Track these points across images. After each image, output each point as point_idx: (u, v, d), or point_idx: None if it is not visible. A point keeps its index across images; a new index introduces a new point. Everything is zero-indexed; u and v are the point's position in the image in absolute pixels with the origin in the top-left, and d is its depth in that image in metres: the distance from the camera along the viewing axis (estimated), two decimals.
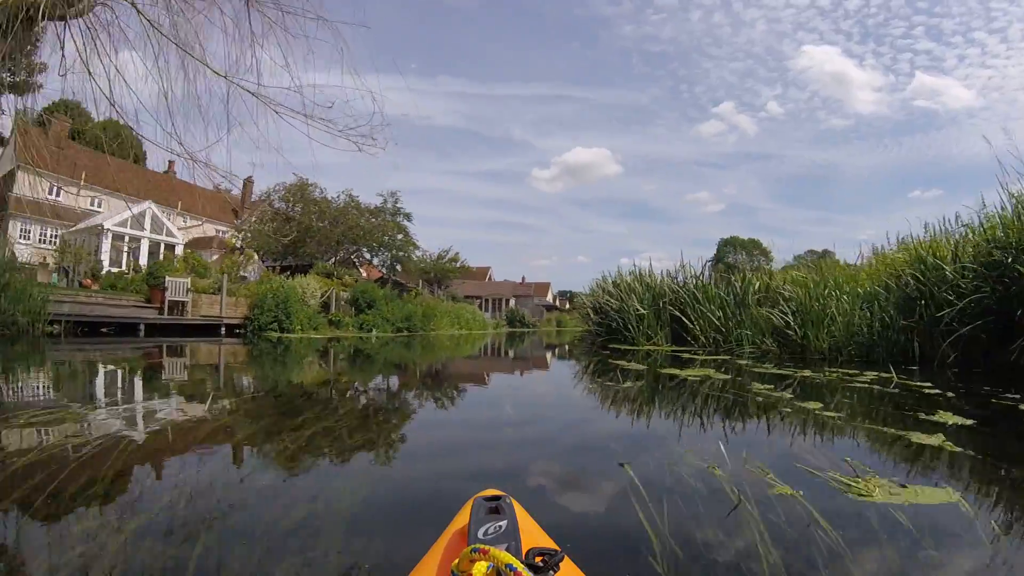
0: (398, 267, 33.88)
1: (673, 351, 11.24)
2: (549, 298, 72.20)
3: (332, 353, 11.57)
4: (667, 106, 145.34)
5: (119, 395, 4.77)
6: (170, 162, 52.47)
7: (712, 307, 11.83)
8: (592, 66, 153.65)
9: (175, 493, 2.00)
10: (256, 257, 31.46)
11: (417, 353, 12.61)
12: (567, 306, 76.21)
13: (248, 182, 45.69)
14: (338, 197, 32.68)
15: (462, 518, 0.96)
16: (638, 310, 12.35)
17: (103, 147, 7.49)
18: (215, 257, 37.15)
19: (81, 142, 25.60)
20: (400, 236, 32.97)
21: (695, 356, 9.90)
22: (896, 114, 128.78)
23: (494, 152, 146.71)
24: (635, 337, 12.40)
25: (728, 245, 69.94)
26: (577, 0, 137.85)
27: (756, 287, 11.53)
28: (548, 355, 13.06)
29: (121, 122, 5.96)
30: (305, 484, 2.18)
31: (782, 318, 10.12)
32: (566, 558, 0.81)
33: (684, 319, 12.04)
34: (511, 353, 13.73)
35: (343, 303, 23.73)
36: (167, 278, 18.98)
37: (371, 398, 5.16)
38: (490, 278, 64.99)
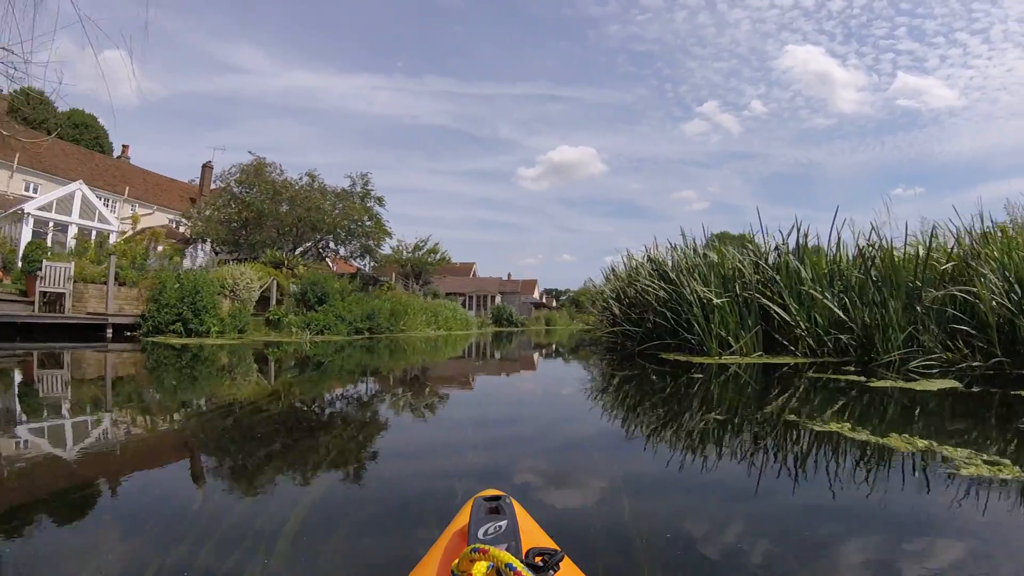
0: (367, 258, 28.88)
1: (771, 362, 6.63)
2: (536, 295, 67.50)
3: (228, 369, 6.76)
4: (652, 105, 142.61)
5: None
6: (124, 146, 47.47)
7: (829, 292, 7.20)
8: (579, 65, 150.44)
9: None
10: (189, 246, 26.49)
11: (351, 370, 7.84)
12: (554, 304, 71.84)
13: (207, 167, 40.76)
14: (300, 178, 27.73)
15: (462, 518, 0.94)
16: (709, 299, 7.59)
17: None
18: (160, 248, 32.30)
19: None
20: (369, 222, 27.98)
21: (846, 375, 5.23)
22: (879, 113, 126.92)
23: (481, 151, 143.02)
24: (703, 341, 7.66)
25: (718, 240, 66.12)
26: (565, 0, 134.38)
27: (920, 261, 6.84)
28: (573, 369, 8.38)
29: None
30: None
31: None
32: (566, 558, 0.79)
33: (780, 312, 7.37)
34: (503, 364, 9.00)
35: (289, 298, 18.78)
36: (44, 263, 13.92)
37: None
38: (474, 274, 60.12)
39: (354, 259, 29.79)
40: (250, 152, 28.01)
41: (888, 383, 4.83)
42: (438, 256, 33.27)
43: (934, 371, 5.64)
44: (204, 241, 28.90)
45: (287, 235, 27.25)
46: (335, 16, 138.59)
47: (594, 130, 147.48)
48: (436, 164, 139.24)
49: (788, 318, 7.37)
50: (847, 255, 7.82)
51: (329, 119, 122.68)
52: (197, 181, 40.11)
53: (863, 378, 5.22)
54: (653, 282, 8.95)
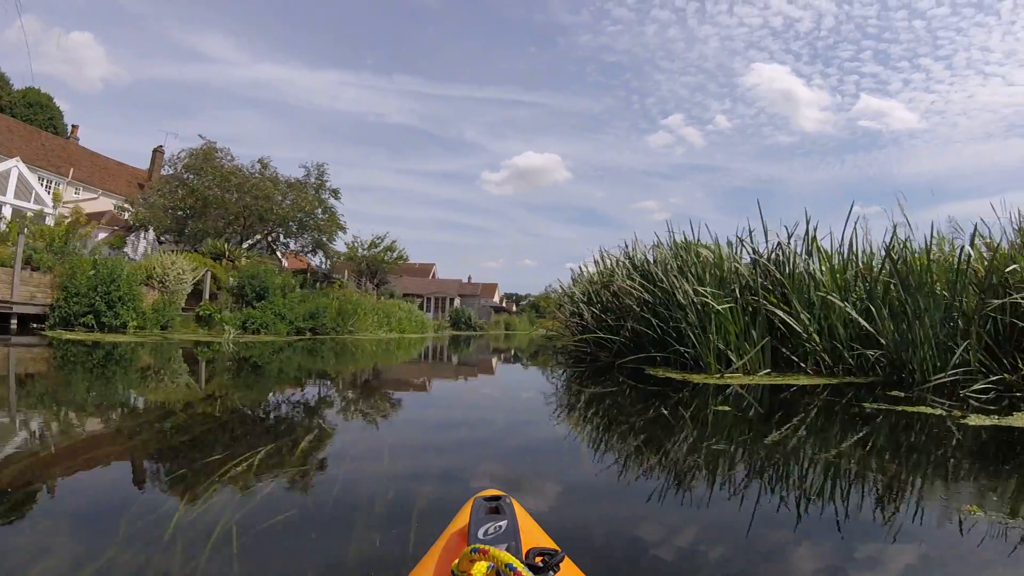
0: (320, 254, 26.91)
1: (785, 382, 5.33)
2: (496, 299, 66.06)
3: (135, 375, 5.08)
4: (618, 115, 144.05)
5: None
6: (73, 126, 44.33)
7: (846, 298, 5.98)
8: (548, 72, 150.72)
9: None
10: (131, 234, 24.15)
11: (271, 379, 6.24)
12: (515, 308, 70.51)
13: (158, 152, 38.12)
14: (252, 165, 25.66)
15: (462, 518, 0.94)
16: (707, 304, 6.22)
17: None
18: (102, 236, 29.72)
19: None
20: (323, 215, 26.05)
21: (902, 405, 3.92)
22: (840, 133, 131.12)
23: (446, 153, 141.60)
24: (699, 355, 6.30)
25: (683, 249, 65.96)
26: (538, 6, 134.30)
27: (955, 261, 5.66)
28: (534, 380, 6.92)
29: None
30: None
31: None
32: (566, 558, 0.79)
33: (788, 322, 6.10)
34: (457, 370, 7.50)
35: (225, 292, 16.83)
36: None
37: None
38: (434, 275, 58.24)
39: (306, 254, 27.78)
40: (200, 136, 25.76)
41: (979, 419, 3.53)
42: (395, 254, 31.45)
43: (1000, 400, 4.40)
44: (147, 229, 26.50)
45: (233, 225, 25.12)
46: (307, 8, 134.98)
47: (560, 137, 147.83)
48: (400, 163, 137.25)
49: (799, 329, 6.09)
50: (862, 257, 6.62)
51: (294, 113, 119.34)
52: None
53: (929, 409, 3.93)
54: (635, 283, 7.58)
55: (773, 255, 6.95)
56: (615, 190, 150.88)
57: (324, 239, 25.88)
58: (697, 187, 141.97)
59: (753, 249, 7.11)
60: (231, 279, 17.37)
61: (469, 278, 62.84)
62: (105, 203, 33.95)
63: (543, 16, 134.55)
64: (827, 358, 6.15)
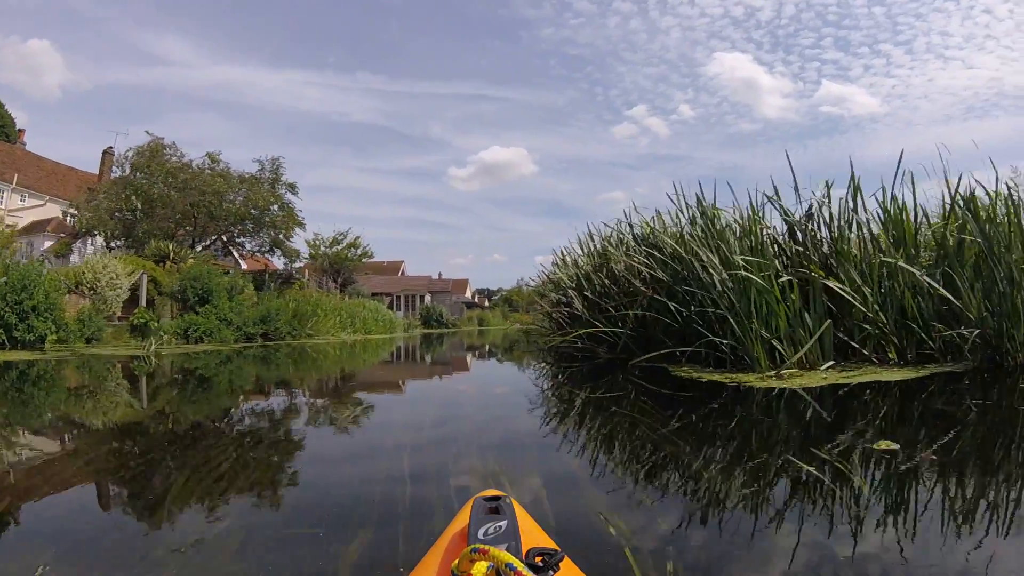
0: (277, 253, 24.90)
1: (869, 380, 3.94)
2: (468, 295, 64.41)
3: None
4: (583, 108, 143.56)
5: None
6: (20, 130, 41.35)
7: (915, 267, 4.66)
8: (512, 67, 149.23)
9: None
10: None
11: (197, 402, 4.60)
12: (487, 303, 68.93)
13: (107, 154, 35.41)
14: (201, 160, 23.56)
15: (462, 518, 0.92)
16: (747, 279, 4.74)
17: None
18: (48, 244, 27.27)
19: None
20: (279, 212, 24.06)
21: None
22: (803, 119, 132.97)
23: (412, 150, 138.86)
24: (744, 347, 4.84)
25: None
26: (500, 1, 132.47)
27: None
28: (521, 396, 5.35)
29: None
30: None
31: None
32: (566, 558, 0.78)
33: (850, 298, 4.72)
34: (429, 371, 5.97)
35: (163, 298, 14.92)
36: None
37: None
38: (403, 273, 56.25)
39: (263, 254, 25.73)
40: (148, 133, 23.39)
41: None
42: (359, 251, 29.55)
43: None
44: (94, 235, 24.18)
45: (182, 225, 22.98)
46: (266, 7, 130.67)
47: (526, 131, 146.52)
48: (365, 162, 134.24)
49: (860, 306, 4.71)
50: (926, 215, 5.27)
51: (255, 114, 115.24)
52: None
53: None
54: (642, 257, 6.12)
55: (810, 219, 5.55)
56: (581, 182, 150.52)
57: (281, 236, 23.89)
58: (662, 176, 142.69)
59: (783, 209, 5.69)
60: (177, 283, 15.43)
61: (439, 275, 60.95)
62: (53, 209, 31.55)
63: (505, 11, 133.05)
64: (896, 341, 4.79)
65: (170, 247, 18.18)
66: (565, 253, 10.43)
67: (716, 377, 4.60)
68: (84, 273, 14.26)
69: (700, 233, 5.55)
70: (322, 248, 29.07)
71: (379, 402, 4.85)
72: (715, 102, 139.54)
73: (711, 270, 4.97)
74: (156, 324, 13.21)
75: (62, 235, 27.35)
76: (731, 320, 4.74)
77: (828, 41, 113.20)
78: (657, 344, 5.79)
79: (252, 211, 23.23)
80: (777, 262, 5.14)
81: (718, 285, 4.92)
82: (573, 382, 5.59)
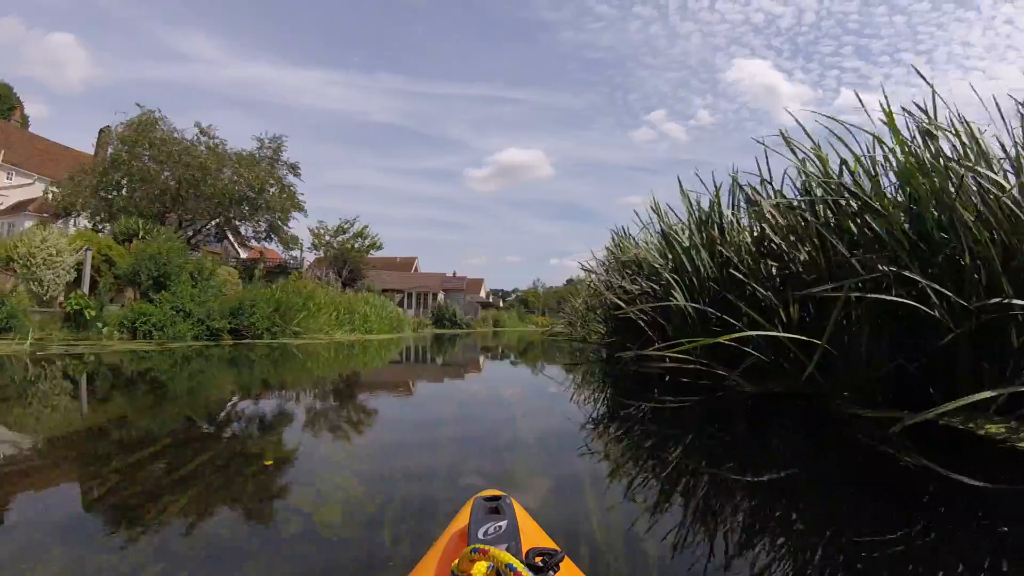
0: (276, 240, 21.99)
1: None
2: (483, 295, 61.37)
3: None
4: (602, 111, 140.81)
5: None
6: (12, 108, 39.42)
7: None
8: (531, 69, 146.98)
9: None
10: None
11: None
12: (501, 304, 65.82)
13: (103, 132, 32.80)
14: (195, 136, 20.72)
15: (462, 518, 0.90)
16: None
17: None
18: (28, 224, 24.62)
19: None
20: (276, 193, 21.17)
21: None
22: (821, 128, 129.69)
23: (431, 150, 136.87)
24: None
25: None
26: (521, 3, 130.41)
27: None
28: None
29: None
30: None
31: None
32: (566, 558, 0.76)
33: None
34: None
35: (111, 280, 12.02)
36: None
37: None
38: (416, 270, 53.34)
39: (259, 241, 22.82)
40: (138, 105, 20.60)
41: None
42: (367, 242, 26.56)
43: None
44: (76, 214, 21.50)
45: (162, 202, 20.11)
46: (293, 7, 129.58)
47: (544, 133, 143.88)
48: (385, 162, 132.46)
49: None
50: None
51: (279, 112, 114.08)
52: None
53: None
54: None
55: None
56: (599, 185, 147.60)
57: (278, 220, 20.98)
58: (682, 181, 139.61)
59: None
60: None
61: (454, 273, 57.91)
62: (40, 189, 29.11)
63: (526, 13, 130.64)
64: None
65: (139, 223, 15.28)
66: (623, 234, 7.42)
67: None
68: (16, 247, 11.38)
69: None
70: (327, 237, 26.15)
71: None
72: (734, 108, 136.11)
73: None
74: (94, 313, 10.27)
75: (44, 215, 24.75)
76: None
77: (848, 49, 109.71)
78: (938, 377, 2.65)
79: (248, 192, 20.39)
80: None
81: None
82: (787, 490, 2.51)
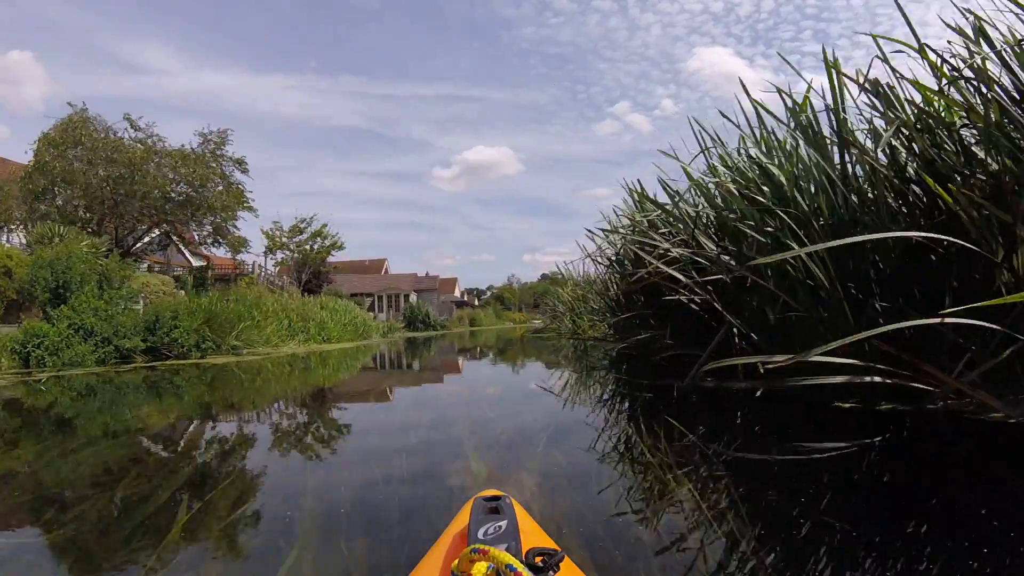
0: (221, 243, 19.71)
1: None
2: (457, 293, 59.40)
3: None
4: (565, 106, 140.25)
5: None
6: None
7: None
8: (493, 66, 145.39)
9: None
10: None
11: None
12: (476, 302, 63.88)
13: (42, 138, 29.90)
14: (124, 130, 18.33)
15: (462, 518, 0.90)
16: None
17: None
18: None
19: None
20: (222, 191, 18.93)
21: None
22: (782, 112, 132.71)
23: (395, 152, 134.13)
24: None
25: None
26: (479, 0, 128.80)
27: None
28: None
29: None
30: None
31: None
32: (566, 558, 0.75)
33: None
34: None
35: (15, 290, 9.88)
36: None
37: None
38: (386, 271, 51.10)
39: (202, 245, 20.52)
40: (70, 104, 18.15)
41: None
42: (327, 242, 24.34)
43: None
44: (8, 229, 18.99)
45: (100, 210, 17.82)
46: (246, 13, 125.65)
47: (508, 130, 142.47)
48: (348, 165, 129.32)
49: None
50: None
51: (236, 121, 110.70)
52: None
53: None
54: None
55: None
56: (566, 180, 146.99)
57: (222, 220, 18.72)
58: (646, 172, 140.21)
59: None
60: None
61: (427, 273, 55.73)
62: None
63: (484, 10, 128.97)
64: None
65: (55, 228, 12.99)
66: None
67: None
68: None
69: None
70: (282, 239, 23.84)
71: None
72: (697, 96, 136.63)
73: None
74: None
75: None
76: None
77: (807, 34, 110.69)
78: None
79: (187, 190, 18.13)
80: None
81: None
82: None
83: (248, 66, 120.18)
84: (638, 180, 5.90)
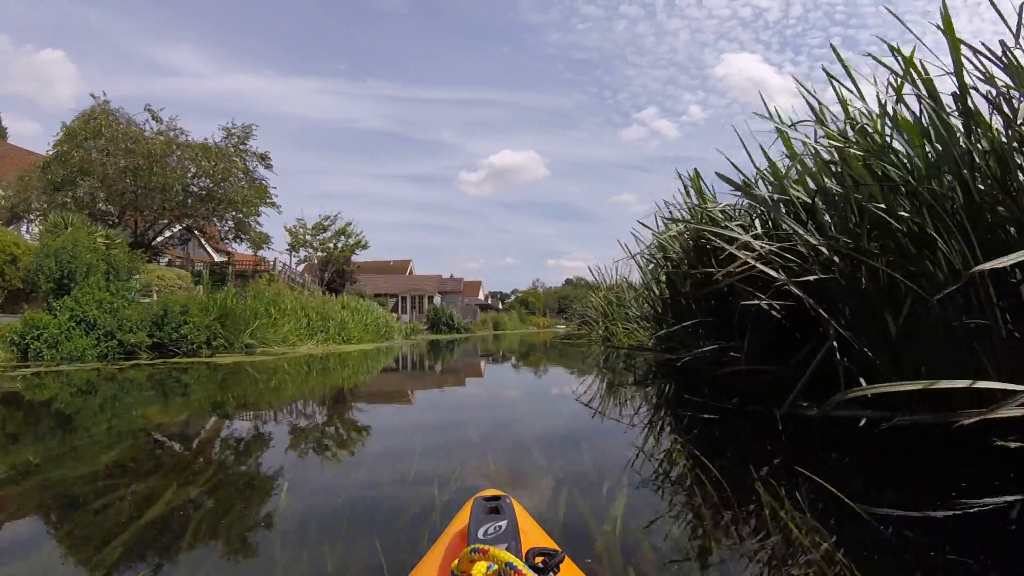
0: (243, 238, 19.24)
1: None
2: (481, 297, 58.71)
3: None
4: (591, 111, 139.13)
5: None
6: None
7: None
8: (520, 71, 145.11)
9: None
10: None
11: None
12: (499, 307, 63.10)
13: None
14: (146, 122, 18.02)
15: (462, 518, 0.88)
16: None
17: None
18: None
19: None
20: (245, 186, 18.46)
21: None
22: (811, 117, 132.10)
23: (422, 155, 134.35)
24: None
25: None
26: (507, 6, 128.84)
27: None
28: None
29: None
30: None
31: None
32: (566, 558, 0.73)
33: None
34: None
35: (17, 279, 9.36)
36: None
37: None
38: (411, 273, 50.61)
39: (223, 240, 20.11)
40: (92, 96, 17.95)
41: None
42: (351, 240, 23.76)
43: None
44: (29, 219, 18.81)
45: (121, 202, 17.52)
46: (277, 17, 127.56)
47: (534, 134, 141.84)
48: (377, 168, 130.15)
49: None
50: None
51: (266, 123, 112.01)
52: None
53: None
54: None
55: None
56: (591, 185, 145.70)
57: (243, 216, 18.24)
58: (672, 178, 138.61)
59: None
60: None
61: (451, 275, 55.14)
62: None
63: (513, 16, 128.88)
64: None
65: (67, 218, 12.54)
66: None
67: None
68: None
69: None
70: (305, 236, 23.33)
71: None
72: (724, 103, 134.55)
73: None
74: None
75: None
76: None
77: (836, 40, 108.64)
78: None
79: (208, 184, 17.73)
80: None
81: None
82: None
83: (279, 69, 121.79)
84: (695, 169, 5.01)
